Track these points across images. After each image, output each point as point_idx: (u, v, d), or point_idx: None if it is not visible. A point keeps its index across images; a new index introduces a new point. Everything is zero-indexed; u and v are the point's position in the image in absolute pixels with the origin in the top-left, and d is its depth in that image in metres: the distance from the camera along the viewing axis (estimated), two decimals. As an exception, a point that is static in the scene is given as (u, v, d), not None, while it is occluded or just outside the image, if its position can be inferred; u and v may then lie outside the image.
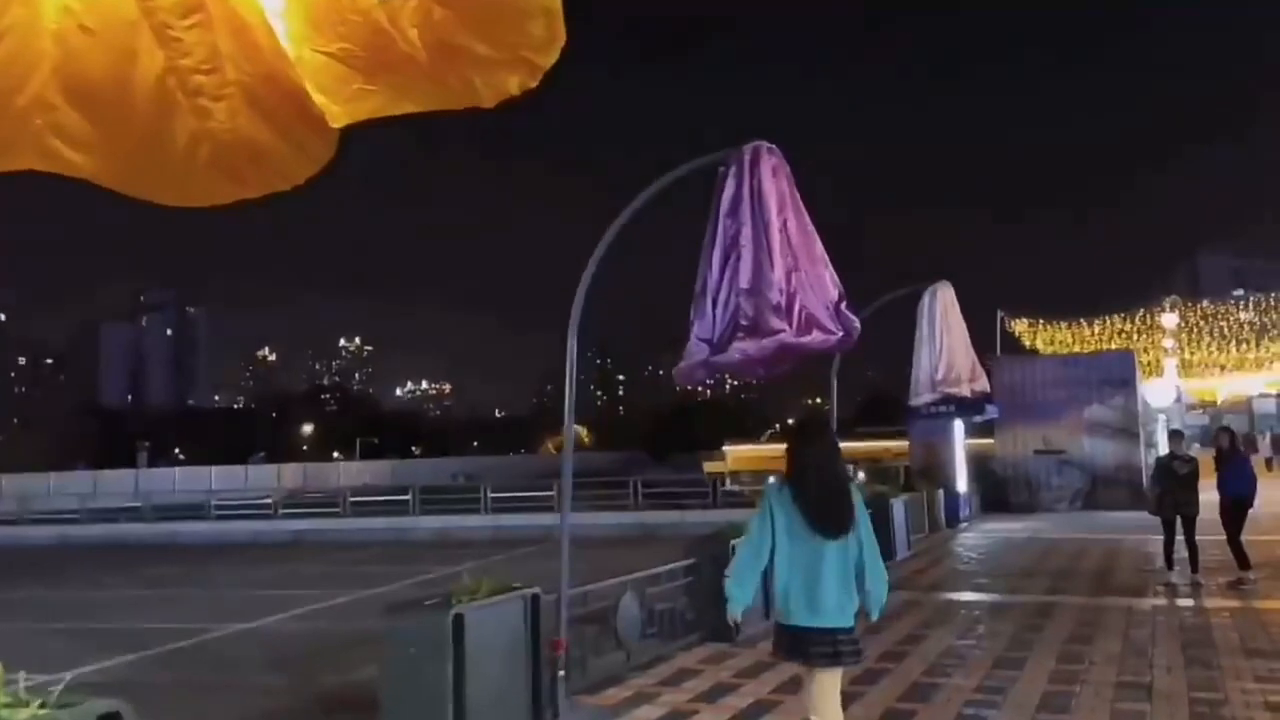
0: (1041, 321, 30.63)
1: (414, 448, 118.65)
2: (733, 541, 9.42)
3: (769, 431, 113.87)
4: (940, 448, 22.16)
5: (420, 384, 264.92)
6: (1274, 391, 47.95)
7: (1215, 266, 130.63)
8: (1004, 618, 10.44)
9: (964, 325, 12.69)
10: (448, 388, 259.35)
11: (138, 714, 3.12)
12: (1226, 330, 35.23)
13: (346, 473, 71.87)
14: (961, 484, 22.09)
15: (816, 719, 5.01)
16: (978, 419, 22.03)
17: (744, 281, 6.22)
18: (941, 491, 20.36)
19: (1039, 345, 30.93)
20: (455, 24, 3.02)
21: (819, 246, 6.47)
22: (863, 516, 5.13)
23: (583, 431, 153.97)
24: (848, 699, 7.41)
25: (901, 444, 28.90)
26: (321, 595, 14.32)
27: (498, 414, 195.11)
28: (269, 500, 29.52)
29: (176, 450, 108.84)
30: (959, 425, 22.02)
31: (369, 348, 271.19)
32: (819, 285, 6.36)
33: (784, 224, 6.33)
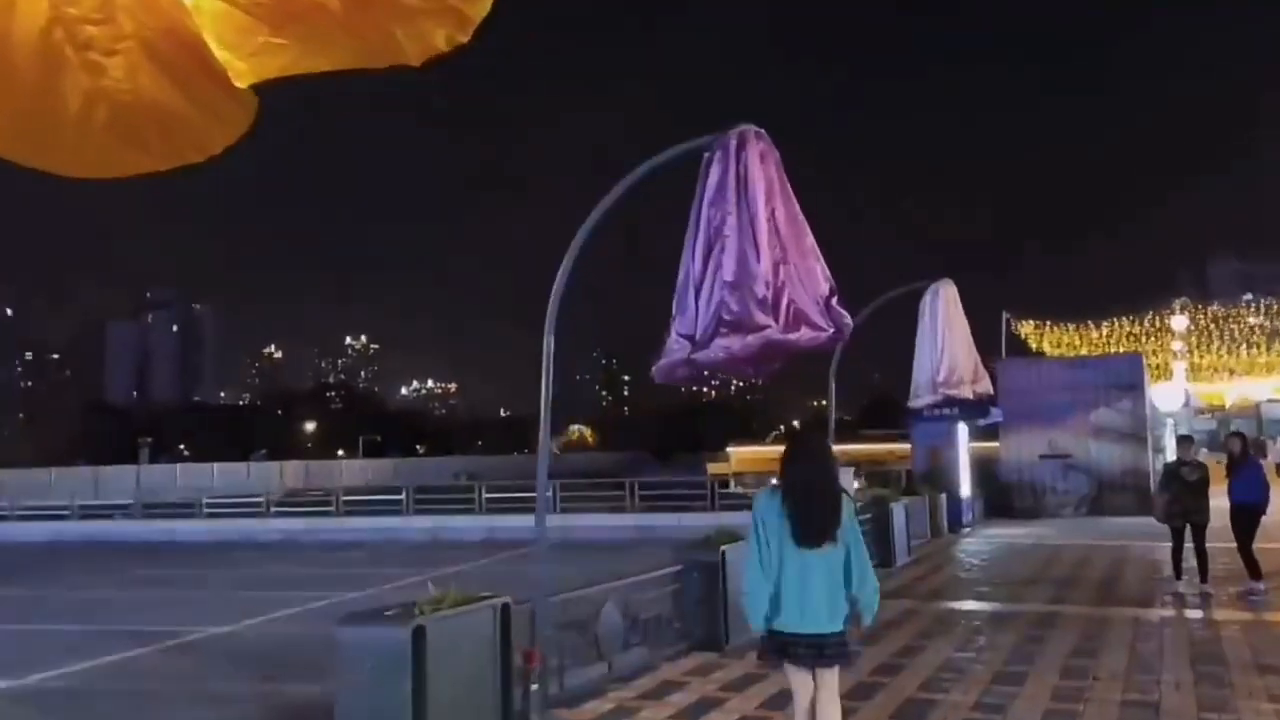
0: (1048, 323, 30.22)
1: (418, 446, 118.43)
2: (723, 547, 9.05)
3: (774, 433, 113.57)
4: (943, 451, 21.75)
5: (426, 383, 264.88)
6: (1283, 396, 47.54)
7: (1224, 271, 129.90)
8: (1005, 628, 10.05)
9: (966, 325, 12.30)
10: (453, 387, 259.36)
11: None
12: (1237, 334, 34.76)
13: (349, 471, 71.66)
14: (965, 488, 21.69)
15: None
16: (982, 422, 21.65)
17: (728, 274, 5.84)
18: (944, 496, 19.97)
19: (1045, 348, 30.51)
20: (371, -35, 2.66)
21: (809, 238, 6.09)
22: (851, 524, 5.13)
23: (587, 431, 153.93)
24: (838, 716, 7.06)
25: (905, 447, 28.47)
26: (303, 598, 13.97)
27: (502, 413, 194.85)
28: (261, 499, 29.19)
29: (181, 447, 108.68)
30: (963, 428, 21.62)
31: (375, 346, 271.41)
32: (809, 279, 5.98)
33: (772, 213, 5.96)
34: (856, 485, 23.50)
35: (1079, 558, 16.15)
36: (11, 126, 2.99)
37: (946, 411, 18.12)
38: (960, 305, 12.32)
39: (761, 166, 6.00)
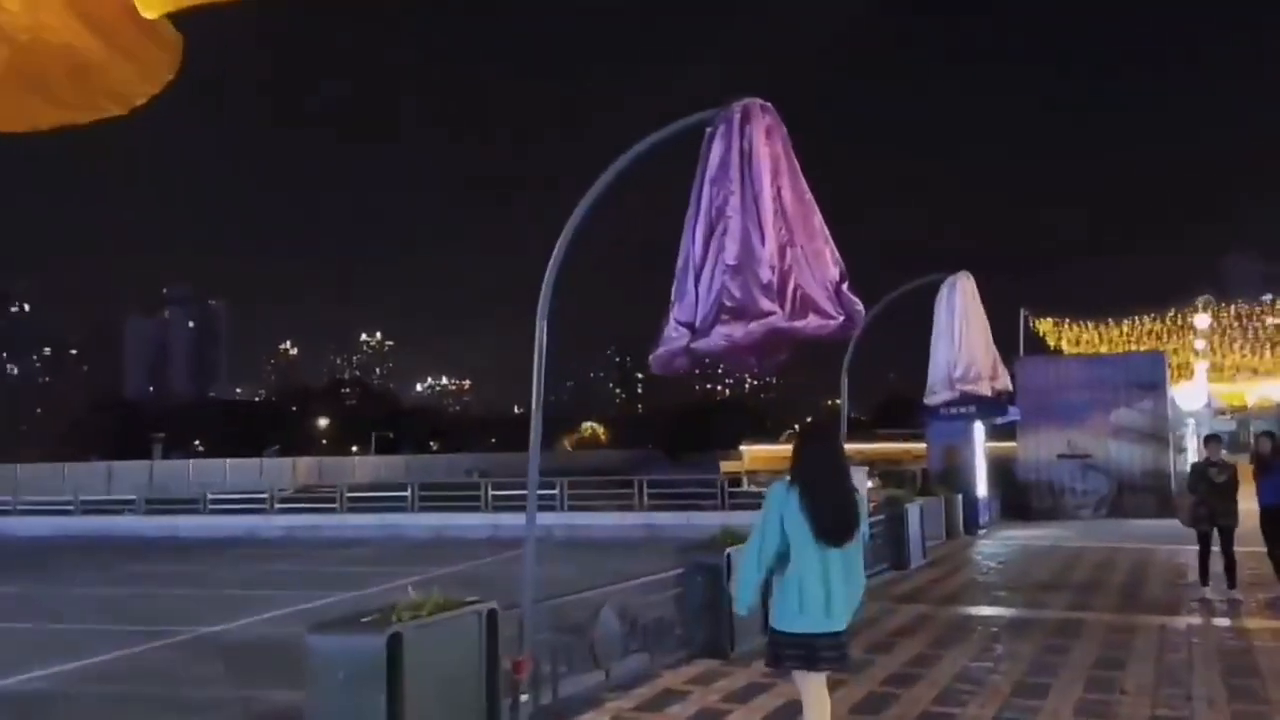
0: (1067, 321, 29.66)
1: (431, 443, 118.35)
2: (728, 550, 8.64)
3: (787, 431, 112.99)
4: (960, 450, 21.26)
5: (440, 379, 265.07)
6: (1306, 396, 46.69)
7: (1244, 270, 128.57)
8: (1024, 636, 9.60)
9: (985, 320, 11.82)
10: (467, 383, 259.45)
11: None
12: (1261, 333, 34.08)
13: (361, 467, 71.52)
14: (981, 489, 21.20)
15: None
16: (999, 421, 21.17)
17: (730, 257, 5.41)
18: (960, 496, 19.50)
19: (1064, 346, 29.96)
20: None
21: (818, 219, 5.66)
22: (864, 523, 5.18)
23: (599, 429, 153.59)
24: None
25: (921, 446, 27.98)
26: (301, 596, 13.64)
27: (516, 410, 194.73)
28: (264, 495, 28.91)
29: (196, 443, 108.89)
30: (979, 427, 21.13)
31: (390, 343, 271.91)
32: (817, 262, 5.53)
33: (778, 192, 5.52)
34: (871, 485, 23.02)
35: (1100, 561, 15.67)
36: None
37: (963, 410, 17.63)
38: (979, 299, 11.84)
39: (767, 142, 5.57)
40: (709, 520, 19.84)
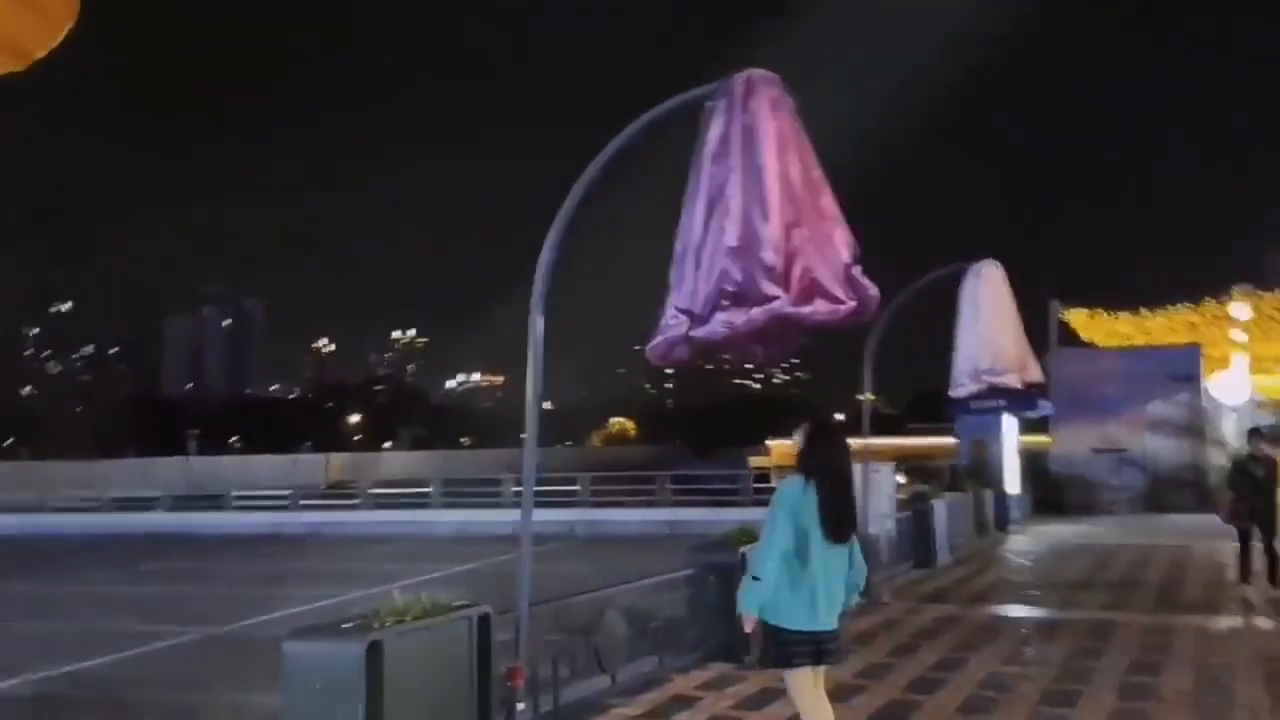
0: (1101, 312, 28.98)
1: (463, 439, 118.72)
2: (743, 548, 8.29)
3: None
4: (989, 445, 20.78)
5: (472, 376, 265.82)
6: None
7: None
8: (1056, 639, 9.20)
9: (1014, 309, 11.36)
10: (500, 379, 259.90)
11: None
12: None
13: (393, 463, 71.77)
14: (1012, 484, 20.71)
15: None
16: (1031, 414, 20.65)
17: (731, 239, 5.07)
18: (990, 492, 19.02)
19: (1097, 338, 29.30)
20: None
21: (828, 198, 5.29)
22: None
23: (628, 424, 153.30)
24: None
25: (952, 441, 27.47)
26: (315, 595, 13.43)
27: (548, 406, 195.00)
28: (288, 492, 28.89)
29: (234, 439, 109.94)
30: (1010, 421, 20.63)
31: (423, 340, 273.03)
32: (826, 244, 5.15)
33: (784, 169, 5.14)
34: (901, 480, 22.55)
35: (1135, 559, 15.19)
36: None
37: (992, 404, 17.14)
38: (1007, 288, 11.38)
39: (773, 116, 5.20)
40: (733, 516, 19.46)
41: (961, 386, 11.31)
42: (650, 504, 24.11)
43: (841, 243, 5.24)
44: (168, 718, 8.13)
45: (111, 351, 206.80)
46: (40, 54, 2.66)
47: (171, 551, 22.12)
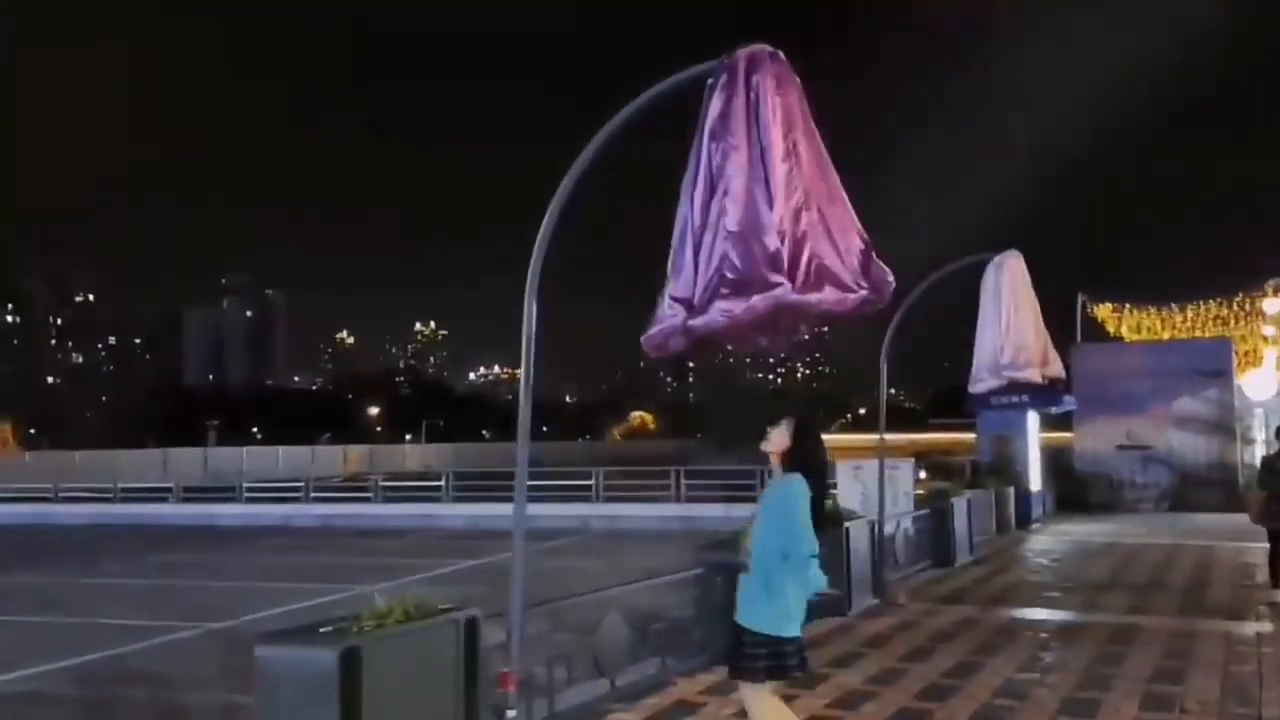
0: (1127, 306, 28.47)
1: (484, 431, 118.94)
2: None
3: (839, 421, 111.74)
4: (1011, 441, 20.37)
5: (493, 368, 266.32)
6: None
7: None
8: (1076, 643, 8.86)
9: (1036, 302, 11.02)
10: (520, 372, 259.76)
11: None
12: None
13: (412, 455, 71.89)
14: (1034, 481, 20.29)
15: None
16: (1054, 410, 20.25)
17: (732, 223, 4.74)
18: (1012, 489, 18.64)
19: (1124, 332, 28.79)
20: None
21: (835, 177, 4.96)
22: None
23: (648, 418, 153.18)
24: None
25: (973, 437, 27.05)
26: (320, 589, 13.29)
27: (568, 399, 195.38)
28: (300, 484, 28.80)
29: (255, 430, 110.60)
30: (1033, 417, 20.21)
31: (444, 332, 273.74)
32: (838, 228, 4.82)
33: (792, 147, 4.81)
34: (923, 475, 22.18)
35: (1160, 559, 14.79)
36: None
37: (1014, 399, 16.75)
38: (1029, 280, 11.04)
39: (778, 92, 4.87)
40: (749, 513, 19.17)
41: (981, 381, 10.99)
42: (666, 499, 23.81)
43: (853, 227, 4.93)
44: (154, 717, 7.93)
45: (135, 341, 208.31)
46: None
47: (181, 543, 22.09)
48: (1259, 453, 21.85)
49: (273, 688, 4.55)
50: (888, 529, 11.93)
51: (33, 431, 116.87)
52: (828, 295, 4.70)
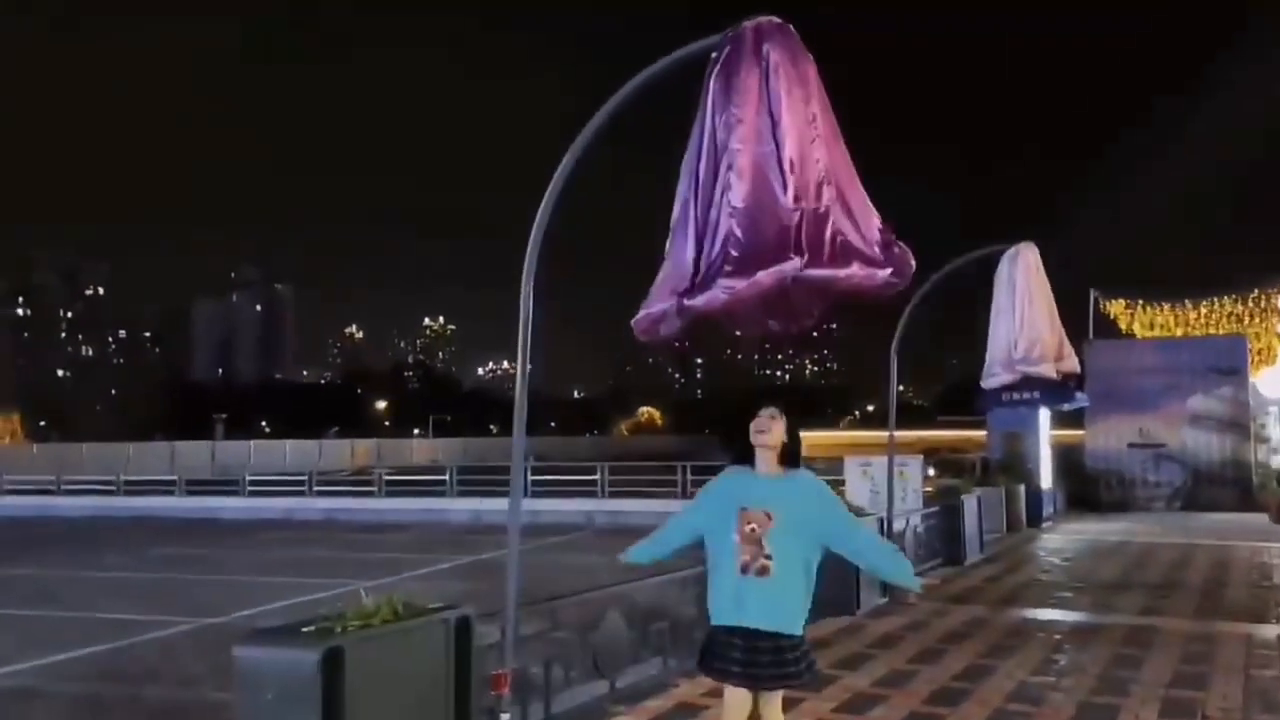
0: (1140, 302, 28.12)
1: (491, 426, 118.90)
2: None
3: (848, 418, 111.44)
4: (1022, 438, 20.08)
5: (501, 364, 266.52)
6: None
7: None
8: (1090, 645, 8.61)
9: (1051, 295, 10.74)
10: (529, 367, 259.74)
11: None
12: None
13: (419, 449, 71.79)
14: (1046, 479, 20.01)
15: None
16: (1066, 407, 19.96)
17: (738, 198, 4.40)
18: (1022, 487, 18.36)
19: (1136, 329, 28.45)
20: None
21: (849, 159, 4.69)
22: None
23: (656, 413, 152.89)
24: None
25: (983, 434, 26.76)
26: (319, 584, 13.12)
27: (576, 394, 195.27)
28: (303, 477, 28.65)
29: (263, 424, 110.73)
30: (1044, 414, 19.92)
31: (452, 327, 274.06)
32: (857, 208, 4.53)
33: (813, 119, 4.51)
34: (932, 473, 21.92)
35: (1175, 559, 14.52)
36: None
37: (1026, 396, 16.47)
38: (1043, 273, 10.76)
39: (793, 64, 4.57)
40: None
41: (994, 376, 10.72)
42: (671, 495, 23.56)
43: (871, 210, 4.65)
44: (139, 715, 7.73)
45: (145, 335, 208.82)
46: None
47: (183, 536, 21.99)
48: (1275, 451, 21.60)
49: (252, 690, 4.33)
50: (897, 526, 11.69)
51: (42, 424, 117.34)
52: (856, 270, 4.37)
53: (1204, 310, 27.72)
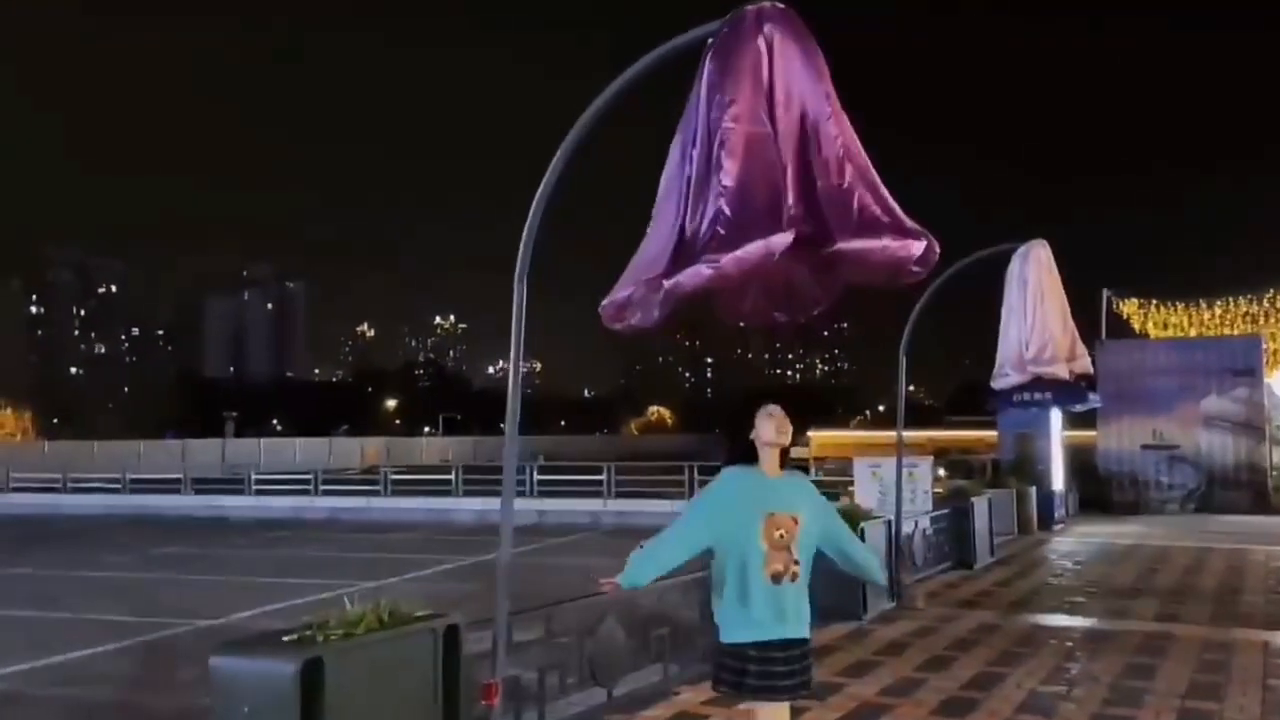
0: (1154, 302, 27.81)
1: (501, 424, 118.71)
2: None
3: (859, 417, 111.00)
4: (1034, 439, 19.83)
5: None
6: None
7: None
8: (1103, 653, 8.39)
9: (1063, 294, 10.53)
10: (538, 366, 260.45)
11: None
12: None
13: (429, 448, 71.78)
14: (1057, 481, 19.76)
15: None
16: (1078, 408, 19.69)
17: (729, 178, 4.07)
18: (1034, 489, 18.12)
19: (1150, 329, 28.14)
20: None
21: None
22: None
23: (666, 413, 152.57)
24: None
25: (995, 434, 26.50)
26: (319, 585, 12.97)
27: (586, 393, 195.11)
28: (309, 476, 28.55)
29: (275, 422, 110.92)
30: (1056, 415, 19.67)
31: (463, 326, 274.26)
32: (880, 184, 4.30)
33: (827, 95, 4.28)
34: (942, 474, 21.68)
35: (1189, 563, 14.27)
36: None
37: (1037, 397, 16.23)
38: (1056, 271, 10.55)
39: (798, 44, 4.34)
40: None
41: (1005, 376, 10.51)
42: (678, 495, 23.35)
43: (887, 193, 4.41)
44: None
45: (158, 332, 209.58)
46: None
47: (186, 535, 21.91)
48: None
49: (228, 702, 4.17)
50: (905, 529, 11.49)
51: (55, 422, 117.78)
52: (889, 242, 4.08)
53: (1218, 310, 27.40)
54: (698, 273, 3.97)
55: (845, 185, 4.14)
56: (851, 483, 14.36)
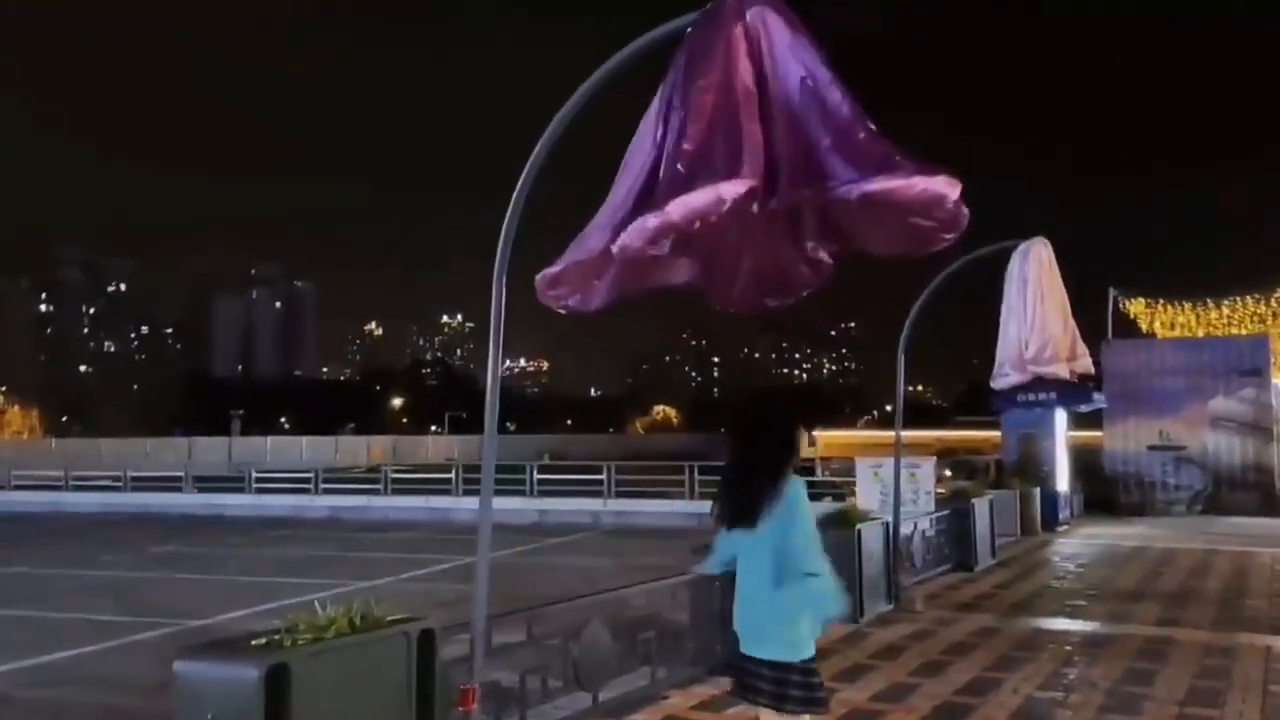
0: (1161, 302, 27.59)
1: (508, 423, 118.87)
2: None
3: (865, 417, 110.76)
4: (1038, 440, 19.65)
5: (518, 361, 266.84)
6: None
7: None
8: (1103, 658, 8.25)
9: (1064, 292, 10.40)
10: (545, 365, 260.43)
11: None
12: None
13: (436, 446, 71.80)
14: (1062, 482, 19.57)
15: None
16: (1083, 408, 19.52)
17: (690, 142, 3.90)
18: (1037, 490, 17.93)
19: (1157, 329, 27.92)
20: None
21: None
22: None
23: (671, 412, 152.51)
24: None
25: (999, 435, 26.31)
26: (313, 585, 12.88)
27: (593, 392, 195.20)
28: (309, 474, 28.51)
29: (282, 420, 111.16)
30: (1060, 415, 19.48)
31: (470, 324, 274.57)
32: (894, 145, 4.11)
33: (828, 68, 4.12)
34: (947, 474, 21.50)
35: (1194, 565, 14.09)
36: None
37: (1042, 397, 16.08)
38: (1056, 269, 10.42)
39: (787, 26, 4.17)
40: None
41: (1004, 376, 10.40)
42: (679, 495, 23.20)
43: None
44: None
45: (166, 331, 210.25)
46: None
47: (184, 534, 21.90)
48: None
49: (191, 708, 4.05)
50: (904, 530, 11.35)
51: (64, 419, 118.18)
52: (917, 180, 3.73)
53: (1226, 310, 27.17)
54: (643, 226, 3.76)
55: (864, 136, 3.93)
56: (854, 483, 14.24)
